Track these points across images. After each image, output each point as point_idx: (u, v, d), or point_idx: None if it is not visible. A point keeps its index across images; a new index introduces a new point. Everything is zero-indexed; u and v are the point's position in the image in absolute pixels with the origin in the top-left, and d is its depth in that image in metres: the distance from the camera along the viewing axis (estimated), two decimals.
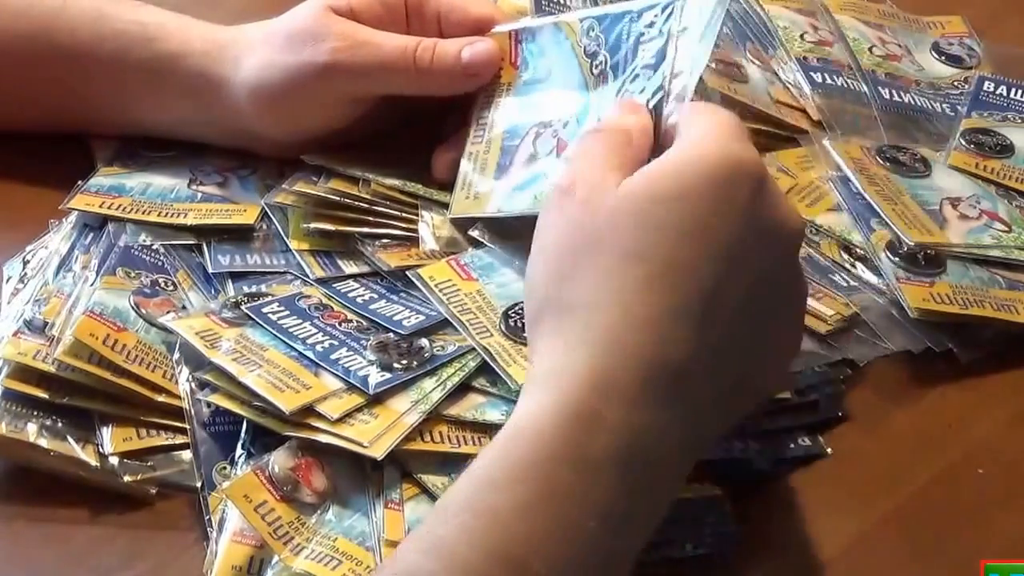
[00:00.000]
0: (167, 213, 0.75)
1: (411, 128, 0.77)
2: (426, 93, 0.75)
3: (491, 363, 0.66)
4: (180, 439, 0.66)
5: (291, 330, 0.67)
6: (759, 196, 0.58)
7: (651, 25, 0.70)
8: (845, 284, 0.75)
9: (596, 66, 0.72)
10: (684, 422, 0.57)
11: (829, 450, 0.68)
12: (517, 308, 0.68)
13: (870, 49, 0.92)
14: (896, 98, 0.88)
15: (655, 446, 0.55)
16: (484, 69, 0.74)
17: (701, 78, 0.65)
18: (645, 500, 0.56)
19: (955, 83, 0.91)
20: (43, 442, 0.64)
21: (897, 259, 0.76)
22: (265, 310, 0.68)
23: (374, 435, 0.62)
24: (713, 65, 0.80)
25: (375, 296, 0.70)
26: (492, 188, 0.73)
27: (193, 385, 0.66)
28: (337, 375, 0.65)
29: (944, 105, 0.89)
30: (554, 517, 0.53)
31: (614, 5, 0.73)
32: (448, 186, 0.75)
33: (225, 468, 0.64)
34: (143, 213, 0.75)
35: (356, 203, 0.74)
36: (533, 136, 0.73)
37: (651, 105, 0.66)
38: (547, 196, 0.61)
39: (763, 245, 0.59)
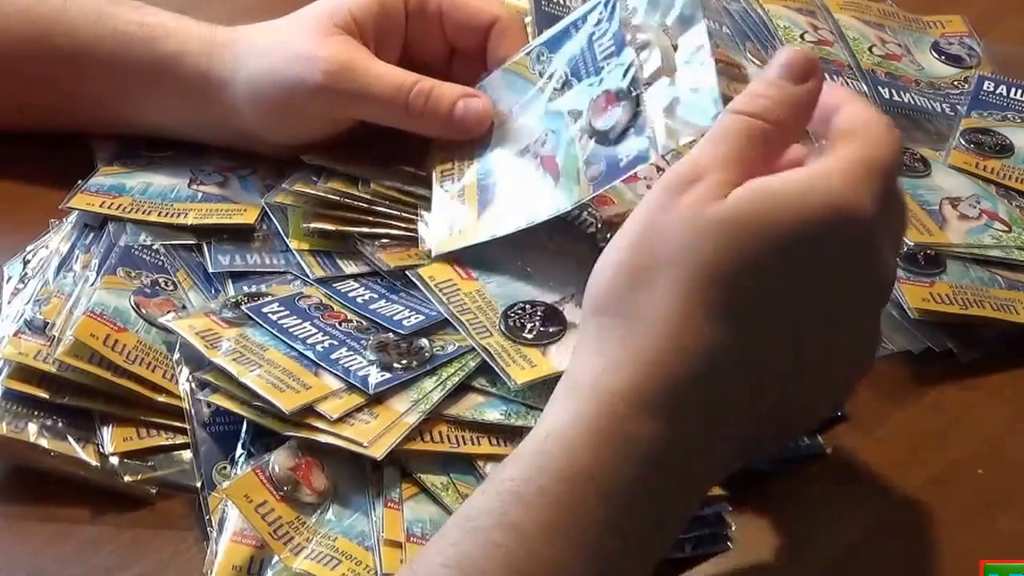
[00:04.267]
0: (167, 213, 0.75)
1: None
2: (412, 131, 0.75)
3: (491, 363, 0.66)
4: (180, 439, 0.66)
5: (291, 330, 0.67)
6: (858, 249, 0.56)
7: (598, 23, 0.71)
8: None
9: (557, 80, 0.73)
10: (716, 452, 0.56)
11: (829, 450, 0.68)
12: (517, 308, 0.68)
13: (870, 49, 0.92)
14: (896, 98, 0.88)
15: (683, 472, 0.55)
16: (475, 127, 0.74)
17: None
18: (668, 519, 0.56)
19: (955, 83, 0.91)
20: (43, 442, 0.64)
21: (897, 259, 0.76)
22: (265, 310, 0.68)
23: (374, 435, 0.62)
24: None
25: (375, 296, 0.70)
26: (477, 221, 0.72)
27: (193, 385, 0.66)
28: (337, 375, 0.65)
29: (944, 105, 0.89)
30: (578, 538, 0.52)
31: (554, 26, 0.74)
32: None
33: (225, 468, 0.64)
34: (143, 213, 0.75)
35: (356, 203, 0.74)
36: (512, 162, 0.73)
37: (626, 85, 0.68)
38: (657, 185, 0.57)
39: (845, 297, 0.57)
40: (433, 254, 0.71)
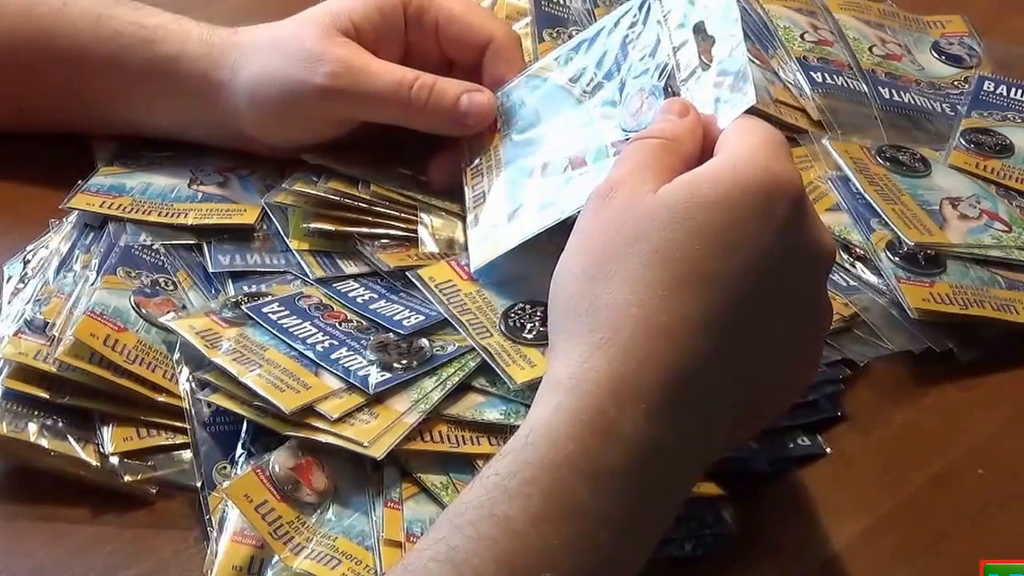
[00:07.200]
0: (167, 213, 0.75)
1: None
2: (415, 128, 0.75)
3: (491, 363, 0.66)
4: (180, 439, 0.66)
5: (291, 330, 0.67)
6: (795, 216, 0.58)
7: (633, 26, 0.71)
8: (845, 284, 0.75)
9: (588, 83, 0.72)
10: (697, 433, 0.57)
11: (828, 450, 0.68)
12: (517, 308, 0.68)
13: (870, 49, 0.92)
14: (896, 98, 0.88)
15: (667, 456, 0.55)
16: (478, 121, 0.74)
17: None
18: (656, 508, 0.56)
19: (955, 83, 0.91)
20: (44, 442, 0.65)
21: (897, 259, 0.76)
22: (265, 310, 0.68)
23: (374, 435, 0.62)
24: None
25: (375, 296, 0.70)
26: (510, 224, 0.71)
27: (193, 385, 0.66)
28: (337, 375, 0.65)
29: (944, 105, 0.89)
30: (567, 528, 0.53)
31: (582, 33, 0.74)
32: (446, 193, 0.75)
33: (225, 468, 0.64)
34: (143, 213, 0.75)
35: (356, 203, 0.74)
36: (540, 169, 0.72)
37: (662, 84, 0.67)
38: (586, 202, 0.61)
39: (792, 265, 0.59)
40: (472, 269, 0.71)
